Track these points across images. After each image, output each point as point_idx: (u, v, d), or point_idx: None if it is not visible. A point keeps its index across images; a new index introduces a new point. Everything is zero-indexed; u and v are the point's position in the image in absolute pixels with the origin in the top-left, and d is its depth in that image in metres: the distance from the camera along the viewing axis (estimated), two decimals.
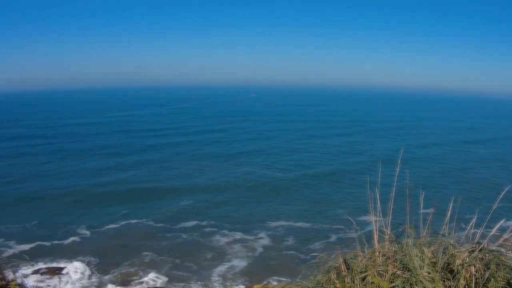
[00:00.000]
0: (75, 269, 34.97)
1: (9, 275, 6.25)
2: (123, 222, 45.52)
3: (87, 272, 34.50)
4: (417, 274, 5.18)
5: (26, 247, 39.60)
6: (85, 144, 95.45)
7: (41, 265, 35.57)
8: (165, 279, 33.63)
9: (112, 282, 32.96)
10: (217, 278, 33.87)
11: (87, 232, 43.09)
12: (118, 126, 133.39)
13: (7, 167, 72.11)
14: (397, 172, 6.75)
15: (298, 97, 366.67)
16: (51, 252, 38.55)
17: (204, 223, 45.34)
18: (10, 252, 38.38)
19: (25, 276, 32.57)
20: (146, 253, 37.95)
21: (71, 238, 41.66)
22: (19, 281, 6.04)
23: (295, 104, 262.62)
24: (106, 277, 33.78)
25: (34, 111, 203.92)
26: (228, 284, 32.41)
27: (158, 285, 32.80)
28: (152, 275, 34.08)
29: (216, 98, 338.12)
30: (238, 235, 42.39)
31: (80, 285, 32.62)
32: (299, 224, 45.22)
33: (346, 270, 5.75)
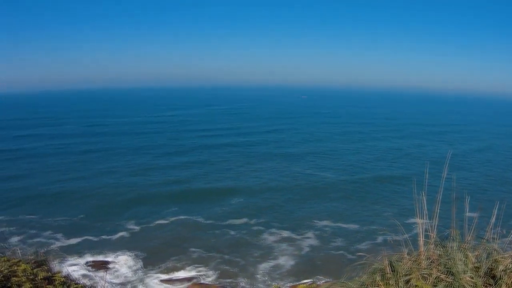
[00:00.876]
0: (122, 262, 35.84)
1: (55, 267, 6.43)
2: (173, 218, 46.27)
3: (134, 266, 35.32)
4: (460, 279, 5.09)
5: (74, 240, 40.87)
6: (136, 143, 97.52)
7: (88, 258, 36.59)
8: (212, 274, 33.99)
9: (159, 277, 33.55)
10: (263, 276, 34.00)
11: (136, 228, 44.08)
12: (169, 125, 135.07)
13: (62, 163, 74.52)
14: (444, 175, 6.62)
15: (350, 99, 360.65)
16: (98, 245, 39.63)
17: (253, 221, 45.62)
18: (57, 244, 39.75)
19: (71, 268, 33.61)
20: (194, 249, 38.45)
21: (120, 233, 42.70)
22: (64, 273, 6.20)
23: (346, 106, 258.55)
24: (153, 271, 34.45)
25: (79, 109, 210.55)
26: (274, 283, 32.36)
27: (204, 280, 33.16)
28: (199, 270, 34.52)
29: (267, 99, 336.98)
30: (286, 234, 42.40)
31: (127, 278, 33.39)
32: (346, 224, 44.82)
33: (390, 272, 5.70)
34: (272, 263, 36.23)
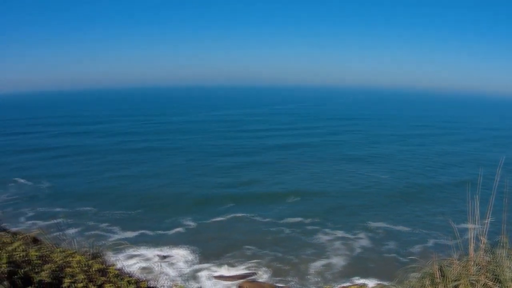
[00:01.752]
0: (177, 257, 36.53)
1: (110, 259, 6.54)
2: (229, 216, 46.73)
3: (189, 261, 35.95)
4: (507, 287, 4.94)
5: (130, 234, 42.13)
6: (196, 141, 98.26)
7: (144, 251, 37.48)
8: (264, 272, 34.05)
9: (212, 272, 33.94)
10: (314, 275, 33.86)
11: (192, 224, 44.80)
12: (229, 125, 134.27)
13: (121, 160, 76.38)
14: (497, 179, 6.42)
15: (400, 101, 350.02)
16: (154, 239, 40.60)
17: (308, 220, 45.46)
18: (114, 237, 40.98)
19: (126, 261, 34.35)
20: (249, 246, 38.70)
21: (176, 229, 43.57)
22: (119, 266, 6.29)
23: (398, 108, 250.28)
24: (207, 266, 34.93)
25: (131, 107, 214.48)
26: (326, 285, 32.01)
27: (257, 278, 33.24)
28: (252, 267, 34.69)
29: (325, 100, 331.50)
30: (339, 234, 42.13)
31: (181, 272, 33.99)
32: (398, 227, 43.96)
33: (440, 277, 5.59)
34: (324, 262, 36.07)
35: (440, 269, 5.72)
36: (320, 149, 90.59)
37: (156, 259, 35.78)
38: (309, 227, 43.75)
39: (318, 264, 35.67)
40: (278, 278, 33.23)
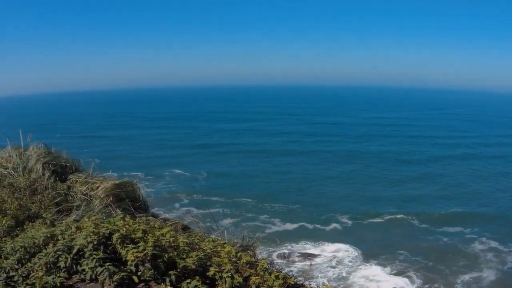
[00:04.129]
0: (329, 255, 36.28)
1: (261, 253, 6.35)
2: (388, 217, 45.33)
3: (341, 260, 35.41)
4: None
5: (289, 226, 42.77)
6: (360, 148, 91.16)
7: (296, 247, 37.69)
8: (411, 281, 32.44)
9: (362, 275, 33.04)
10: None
11: (349, 222, 44.34)
12: (394, 129, 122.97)
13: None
14: None
15: None
16: (310, 234, 40.72)
17: (467, 230, 42.19)
18: (272, 229, 41.88)
19: (276, 255, 35.00)
20: (402, 251, 37.08)
21: (333, 224, 43.53)
22: (269, 260, 6.07)
23: None
24: (357, 268, 34.11)
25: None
26: None
27: (403, 283, 31.94)
28: (400, 273, 33.31)
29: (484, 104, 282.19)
30: (493, 244, 38.73)
31: (332, 271, 33.58)
32: None
33: None
34: (474, 274, 33.59)
35: None
36: (501, 161, 78.06)
37: (308, 256, 35.83)
38: (467, 236, 40.85)
39: (468, 276, 33.26)
40: (424, 286, 31.70)
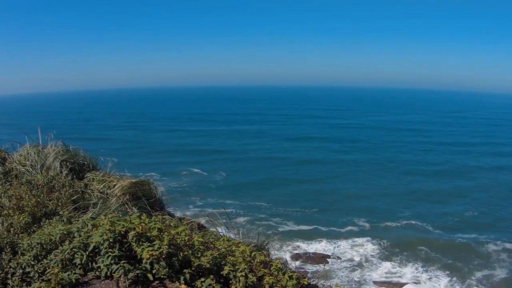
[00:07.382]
0: (342, 257, 36.06)
1: (275, 253, 6.29)
2: (404, 222, 44.68)
3: (354, 262, 35.18)
4: None
5: (304, 227, 42.32)
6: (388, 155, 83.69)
7: (311, 248, 37.49)
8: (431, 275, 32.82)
9: (374, 278, 32.83)
10: (476, 284, 32.28)
11: (366, 225, 43.75)
12: (416, 134, 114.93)
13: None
14: None
15: None
16: (324, 235, 40.32)
17: (482, 237, 40.93)
18: (285, 229, 41.81)
19: (292, 255, 34.97)
20: (414, 259, 36.41)
21: (348, 227, 42.95)
22: (283, 260, 6.02)
23: None
24: (370, 271, 33.88)
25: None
26: None
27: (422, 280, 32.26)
28: (413, 278, 33.12)
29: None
30: (509, 246, 38.53)
31: (345, 273, 33.25)
32: None
33: None
34: (486, 272, 33.97)
35: None
36: None
37: (322, 257, 35.63)
38: (482, 239, 40.28)
39: (481, 274, 33.68)
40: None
